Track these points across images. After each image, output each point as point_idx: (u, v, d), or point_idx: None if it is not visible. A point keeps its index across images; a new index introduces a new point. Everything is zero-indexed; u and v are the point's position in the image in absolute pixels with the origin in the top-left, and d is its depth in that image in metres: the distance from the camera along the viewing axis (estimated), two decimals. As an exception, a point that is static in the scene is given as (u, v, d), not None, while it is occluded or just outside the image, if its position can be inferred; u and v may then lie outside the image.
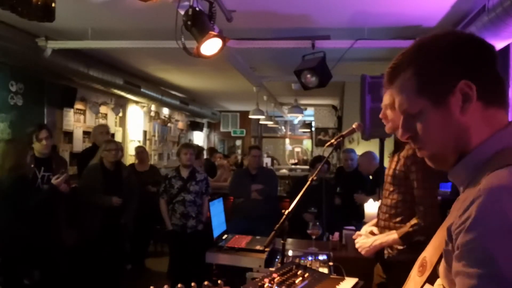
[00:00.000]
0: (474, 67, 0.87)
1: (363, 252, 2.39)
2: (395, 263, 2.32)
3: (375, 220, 2.54)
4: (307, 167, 9.79)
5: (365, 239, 2.41)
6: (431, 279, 0.91)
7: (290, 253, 2.79)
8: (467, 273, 0.73)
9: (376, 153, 4.18)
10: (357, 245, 2.43)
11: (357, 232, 2.51)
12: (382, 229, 2.43)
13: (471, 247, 0.73)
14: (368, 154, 4.83)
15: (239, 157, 11.05)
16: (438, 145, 0.91)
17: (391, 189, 2.40)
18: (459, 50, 0.88)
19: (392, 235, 2.30)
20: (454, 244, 0.78)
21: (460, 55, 0.88)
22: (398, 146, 2.47)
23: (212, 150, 8.90)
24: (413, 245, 2.22)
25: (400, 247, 2.32)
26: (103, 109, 6.73)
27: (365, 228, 2.51)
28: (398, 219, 2.35)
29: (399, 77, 0.94)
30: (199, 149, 6.61)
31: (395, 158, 2.43)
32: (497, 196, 0.74)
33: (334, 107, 10.38)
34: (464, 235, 0.75)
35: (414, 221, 2.25)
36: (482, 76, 0.87)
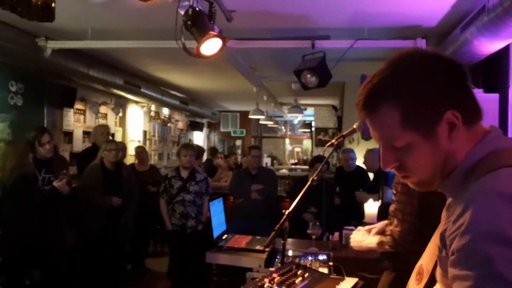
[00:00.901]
0: (455, 95, 0.87)
1: (352, 245, 2.34)
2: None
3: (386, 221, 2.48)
4: (307, 167, 9.79)
5: (360, 235, 2.35)
6: (429, 286, 0.91)
7: (290, 253, 2.79)
8: (463, 275, 0.73)
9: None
10: (351, 236, 2.36)
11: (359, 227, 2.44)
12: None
13: (467, 250, 0.74)
14: (375, 151, 4.74)
15: (239, 158, 11.04)
16: (426, 173, 0.91)
17: (393, 197, 2.36)
18: (438, 78, 0.87)
19: (375, 240, 2.25)
20: (449, 250, 0.78)
21: (440, 84, 0.87)
22: None
23: (213, 150, 8.89)
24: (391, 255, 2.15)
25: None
26: (103, 109, 6.73)
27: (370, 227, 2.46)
28: (391, 227, 2.31)
29: (377, 109, 0.89)
30: (200, 150, 6.60)
31: None
32: (489, 200, 0.75)
33: (334, 107, 10.37)
34: (459, 240, 0.75)
35: (389, 232, 2.17)
36: (464, 102, 0.88)
